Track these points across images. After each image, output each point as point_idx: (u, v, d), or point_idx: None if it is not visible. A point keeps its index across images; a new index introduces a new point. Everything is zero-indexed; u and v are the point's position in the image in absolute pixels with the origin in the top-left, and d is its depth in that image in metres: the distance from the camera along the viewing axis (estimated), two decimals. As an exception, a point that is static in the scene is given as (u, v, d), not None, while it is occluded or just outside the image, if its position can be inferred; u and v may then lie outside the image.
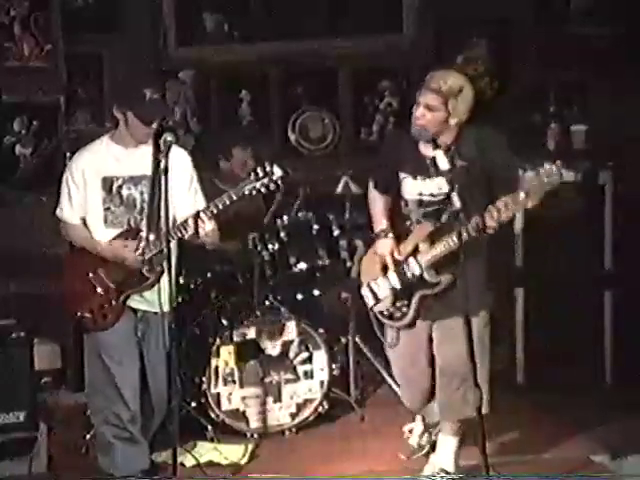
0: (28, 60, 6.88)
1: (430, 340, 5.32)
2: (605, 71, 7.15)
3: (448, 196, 5.01)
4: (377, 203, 5.45)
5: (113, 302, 5.21)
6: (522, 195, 4.84)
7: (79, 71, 7.00)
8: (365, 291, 5.43)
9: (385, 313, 5.38)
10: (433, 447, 5.57)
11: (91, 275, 5.23)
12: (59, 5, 6.92)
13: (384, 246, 5.33)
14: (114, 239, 5.21)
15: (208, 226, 5.07)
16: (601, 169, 6.52)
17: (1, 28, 6.82)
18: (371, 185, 5.50)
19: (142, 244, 5.16)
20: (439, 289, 5.18)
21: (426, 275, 5.20)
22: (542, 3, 7.44)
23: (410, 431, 5.77)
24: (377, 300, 5.38)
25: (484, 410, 5.00)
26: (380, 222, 5.39)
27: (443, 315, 5.21)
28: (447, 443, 5.39)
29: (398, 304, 5.32)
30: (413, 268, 5.23)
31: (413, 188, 5.23)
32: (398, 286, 5.29)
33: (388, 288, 5.32)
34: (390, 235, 5.32)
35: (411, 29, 7.38)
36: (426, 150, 5.17)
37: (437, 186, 5.15)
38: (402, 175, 5.25)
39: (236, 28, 7.30)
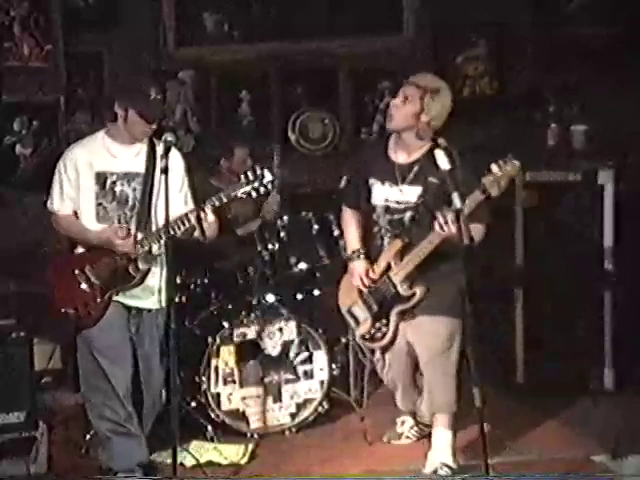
0: (28, 60, 6.88)
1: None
2: (605, 71, 7.15)
3: (410, 206, 5.20)
4: (350, 225, 5.52)
5: (98, 299, 5.20)
6: (479, 194, 4.99)
7: (79, 71, 7.00)
8: (347, 317, 5.51)
9: (366, 336, 5.45)
10: (418, 440, 5.73)
11: (77, 272, 5.22)
12: (59, 5, 6.92)
13: (358, 267, 5.40)
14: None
15: (210, 217, 5.08)
16: (601, 169, 6.52)
17: (1, 28, 6.83)
18: (344, 207, 5.56)
19: (130, 241, 5.16)
20: (415, 301, 5.27)
21: (400, 290, 5.28)
22: (541, 3, 7.44)
23: (402, 423, 5.83)
24: (358, 324, 5.46)
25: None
26: (353, 244, 5.46)
27: (418, 311, 5.29)
28: (442, 437, 5.43)
29: (377, 325, 5.38)
30: (387, 286, 5.30)
31: (381, 194, 5.32)
32: (376, 307, 5.36)
33: (367, 310, 5.40)
34: (362, 256, 5.39)
35: (411, 29, 7.38)
36: (397, 158, 5.29)
37: (401, 194, 5.26)
38: (371, 181, 5.34)
39: (236, 28, 7.30)
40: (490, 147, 6.18)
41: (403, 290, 5.27)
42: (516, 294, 6.61)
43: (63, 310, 5.23)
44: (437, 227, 4.99)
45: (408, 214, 5.26)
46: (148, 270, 5.20)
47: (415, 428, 5.78)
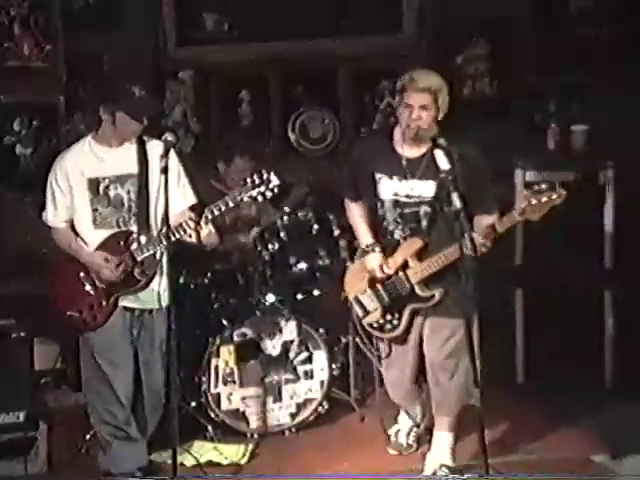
0: (28, 60, 6.88)
1: (421, 338, 5.36)
2: (605, 71, 7.15)
3: (425, 200, 5.15)
4: (358, 218, 5.45)
5: (103, 303, 5.20)
6: (516, 215, 4.96)
7: (79, 71, 7.00)
8: (353, 304, 5.45)
9: (375, 325, 5.41)
10: (419, 443, 5.69)
11: (82, 275, 5.22)
12: (59, 5, 6.92)
13: (373, 260, 5.34)
14: (100, 247, 5.19)
15: (205, 231, 5.05)
16: (601, 169, 6.52)
17: (1, 28, 6.82)
18: (346, 200, 5.50)
19: (134, 246, 5.15)
20: (432, 303, 5.23)
21: (418, 290, 5.24)
22: (542, 3, 7.44)
23: (396, 433, 5.77)
24: (366, 312, 5.41)
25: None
26: (366, 237, 5.39)
27: (434, 313, 5.26)
28: (442, 439, 5.43)
29: (388, 317, 5.35)
30: (403, 283, 5.26)
31: (389, 188, 5.25)
32: (388, 299, 5.32)
33: (377, 300, 5.36)
34: (378, 249, 5.33)
35: (411, 29, 7.37)
36: (403, 151, 5.22)
37: (411, 188, 5.20)
38: (378, 176, 5.27)
39: (236, 28, 7.29)
40: (490, 147, 6.17)
41: (420, 290, 5.24)
42: (516, 294, 6.62)
43: (68, 314, 5.22)
44: (468, 248, 4.78)
45: (423, 209, 5.20)
46: (154, 274, 5.19)
47: (412, 433, 5.71)
